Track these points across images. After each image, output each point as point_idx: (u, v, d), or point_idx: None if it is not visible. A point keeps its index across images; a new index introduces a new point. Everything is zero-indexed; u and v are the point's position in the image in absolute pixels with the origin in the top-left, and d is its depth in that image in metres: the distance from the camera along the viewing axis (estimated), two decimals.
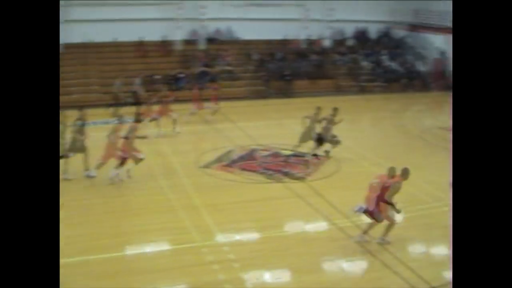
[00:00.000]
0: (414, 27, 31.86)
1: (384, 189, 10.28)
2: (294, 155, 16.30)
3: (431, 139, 19.83)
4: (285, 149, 16.82)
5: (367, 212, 10.50)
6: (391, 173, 10.54)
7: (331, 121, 16.01)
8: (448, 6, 29.16)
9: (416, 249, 10.84)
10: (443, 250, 10.67)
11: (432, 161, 16.96)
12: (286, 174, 14.81)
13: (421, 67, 31.34)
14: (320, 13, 29.74)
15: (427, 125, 22.01)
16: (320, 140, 15.88)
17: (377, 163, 15.82)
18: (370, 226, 10.61)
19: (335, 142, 16.23)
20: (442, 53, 30.34)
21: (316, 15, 29.66)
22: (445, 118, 22.80)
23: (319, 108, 16.13)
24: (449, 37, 29.67)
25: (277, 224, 11.59)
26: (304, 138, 16.13)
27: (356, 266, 10.00)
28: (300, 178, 14.55)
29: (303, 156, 16.21)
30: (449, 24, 30.11)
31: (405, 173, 10.45)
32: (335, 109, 16.13)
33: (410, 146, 18.00)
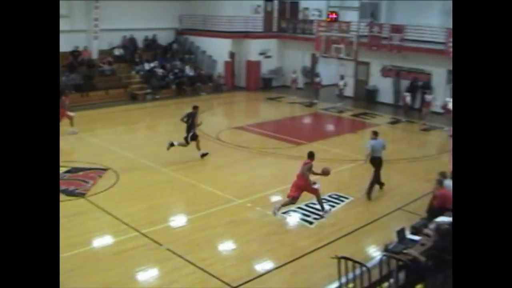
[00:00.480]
0: (200, 32, 32.92)
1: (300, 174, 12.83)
2: (69, 172, 15.67)
3: (226, 139, 20.51)
4: (61, 166, 16.09)
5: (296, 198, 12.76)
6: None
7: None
8: (233, 12, 30.36)
9: (215, 248, 11.27)
10: (243, 247, 11.45)
11: (232, 160, 17.76)
12: (62, 192, 14.12)
13: (211, 70, 32.41)
14: (85, 23, 28.95)
15: (222, 126, 22.65)
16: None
17: (161, 171, 16.08)
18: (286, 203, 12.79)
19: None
20: (231, 55, 31.89)
21: (81, 25, 28.79)
22: (240, 118, 23.89)
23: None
24: (238, 41, 31.33)
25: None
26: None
27: (148, 274, 10.05)
28: (79, 195, 14.04)
29: (81, 171, 15.70)
30: (242, 29, 31.70)
31: (311, 154, 13.05)
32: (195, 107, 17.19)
33: (208, 148, 18.42)
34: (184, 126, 17.18)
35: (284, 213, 13.17)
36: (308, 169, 12.84)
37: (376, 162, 14.69)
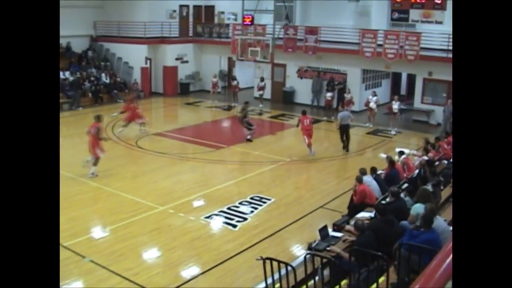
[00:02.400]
0: (115, 39, 32.25)
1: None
2: None
3: (145, 146, 20.20)
4: None
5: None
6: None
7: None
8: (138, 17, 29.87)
9: (139, 256, 11.07)
10: (168, 254, 11.34)
11: (152, 167, 17.50)
12: None
13: (128, 77, 31.77)
14: None
15: (142, 133, 22.20)
16: None
17: (81, 182, 15.66)
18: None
19: None
20: (147, 62, 31.48)
21: None
22: (159, 124, 23.47)
23: None
24: (154, 46, 30.88)
25: None
26: None
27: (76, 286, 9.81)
28: None
29: None
30: (150, 34, 31.21)
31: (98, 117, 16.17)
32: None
33: (128, 156, 18.05)
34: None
35: (207, 217, 13.15)
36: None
37: (344, 128, 19.56)
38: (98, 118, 16.53)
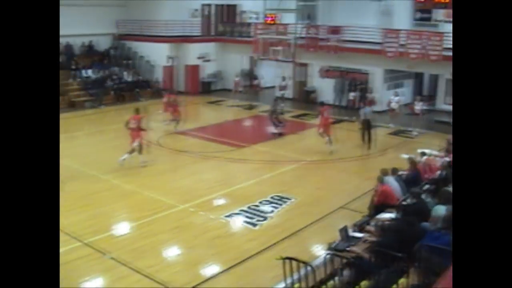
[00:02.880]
0: (138, 37, 32.50)
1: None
2: None
3: (167, 144, 20.27)
4: None
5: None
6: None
7: None
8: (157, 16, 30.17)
9: (160, 254, 11.16)
10: (189, 252, 11.48)
11: (174, 165, 17.62)
12: None
13: (150, 75, 32.00)
14: None
15: (163, 131, 22.36)
16: None
17: (103, 179, 15.83)
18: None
19: None
20: (171, 60, 31.64)
21: None
22: (181, 123, 23.57)
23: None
24: (177, 45, 31.08)
25: None
26: None
27: (93, 285, 9.89)
28: None
29: None
30: (176, 33, 31.41)
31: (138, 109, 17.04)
32: None
33: (150, 154, 18.22)
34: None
35: (228, 216, 13.20)
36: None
37: (366, 124, 20.18)
38: (138, 111, 17.44)
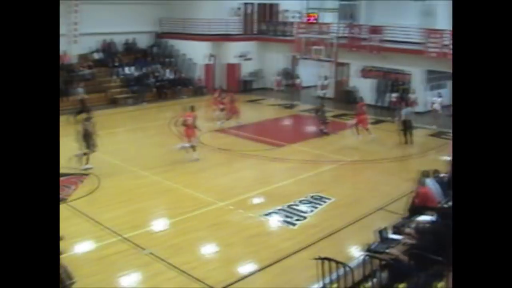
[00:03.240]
0: (180, 35, 32.82)
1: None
2: None
3: (207, 142, 20.46)
4: None
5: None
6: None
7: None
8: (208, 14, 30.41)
9: (197, 251, 11.26)
10: (226, 250, 11.45)
11: (213, 163, 17.74)
12: None
13: (191, 73, 32.31)
14: (64, 27, 28.73)
15: (203, 129, 22.55)
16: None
17: (143, 175, 16.03)
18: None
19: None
20: (211, 58, 31.83)
21: (60, 29, 28.50)
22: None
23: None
24: (218, 43, 31.31)
25: None
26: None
27: (131, 279, 10.01)
28: (60, 200, 13.92)
29: (62, 177, 15.58)
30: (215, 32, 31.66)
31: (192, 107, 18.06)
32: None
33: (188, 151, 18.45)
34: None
35: (266, 215, 13.19)
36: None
37: (407, 124, 20.39)
38: (192, 108, 18.45)
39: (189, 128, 17.74)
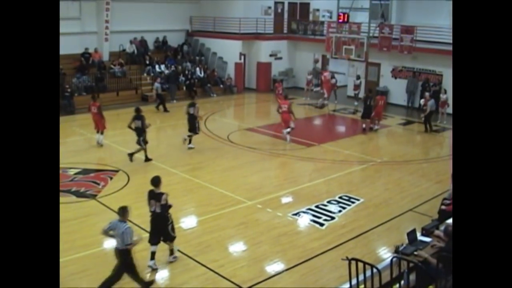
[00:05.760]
0: (211, 34, 33.02)
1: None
2: (80, 173, 15.77)
3: (237, 140, 20.54)
4: (72, 168, 16.18)
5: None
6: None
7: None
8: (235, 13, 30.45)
9: (225, 249, 11.31)
10: (254, 249, 11.47)
11: (243, 161, 17.81)
12: (73, 193, 14.23)
13: (222, 72, 32.40)
14: (96, 25, 29.08)
15: (233, 128, 22.67)
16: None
17: (172, 173, 16.13)
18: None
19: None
20: (242, 57, 31.97)
21: (92, 27, 28.91)
22: (251, 119, 23.90)
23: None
24: (249, 42, 31.41)
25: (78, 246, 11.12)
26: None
27: (159, 275, 10.09)
28: (90, 196, 14.12)
29: (92, 173, 15.82)
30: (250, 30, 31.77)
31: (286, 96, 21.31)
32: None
33: (219, 150, 18.54)
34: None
35: (295, 214, 13.18)
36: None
37: (431, 115, 22.38)
38: (286, 97, 21.16)
39: (285, 114, 19.82)
